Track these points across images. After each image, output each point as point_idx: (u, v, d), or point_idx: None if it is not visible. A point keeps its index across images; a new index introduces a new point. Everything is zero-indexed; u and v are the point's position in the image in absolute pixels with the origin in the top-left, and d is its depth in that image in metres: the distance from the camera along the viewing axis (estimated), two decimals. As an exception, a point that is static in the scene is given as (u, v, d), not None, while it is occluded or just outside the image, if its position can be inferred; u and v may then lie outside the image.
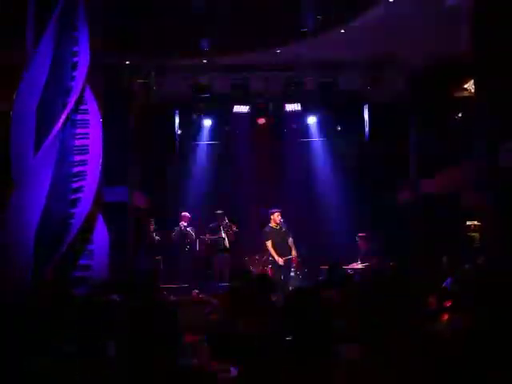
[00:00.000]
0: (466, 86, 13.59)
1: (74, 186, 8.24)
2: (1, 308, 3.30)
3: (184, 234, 14.35)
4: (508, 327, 3.06)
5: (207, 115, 16.39)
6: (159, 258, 14.19)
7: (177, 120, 16.39)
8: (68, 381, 3.32)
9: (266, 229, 13.08)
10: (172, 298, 8.68)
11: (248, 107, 15.81)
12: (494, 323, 3.08)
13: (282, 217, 13.13)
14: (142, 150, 14.88)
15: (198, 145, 16.96)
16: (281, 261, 12.74)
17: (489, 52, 10.11)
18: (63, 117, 8.13)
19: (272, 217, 13.13)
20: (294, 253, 13.01)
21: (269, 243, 12.93)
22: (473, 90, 12.29)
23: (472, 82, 12.37)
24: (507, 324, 3.08)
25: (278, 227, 13.03)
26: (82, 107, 8.59)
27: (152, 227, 14.38)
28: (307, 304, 3.39)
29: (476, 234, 12.89)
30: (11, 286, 7.45)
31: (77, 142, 8.47)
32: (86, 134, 8.60)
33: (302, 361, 3.15)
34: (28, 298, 6.63)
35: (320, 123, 16.83)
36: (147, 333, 2.86)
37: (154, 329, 2.87)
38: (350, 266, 12.64)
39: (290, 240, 13.03)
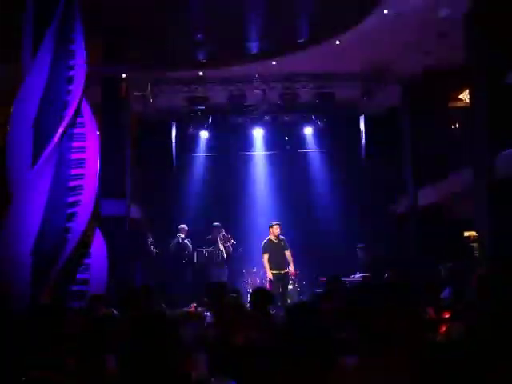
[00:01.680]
0: (461, 97, 13.66)
1: (71, 199, 8.21)
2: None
3: (182, 247, 14.34)
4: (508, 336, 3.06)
5: (204, 127, 16.39)
6: (157, 270, 14.17)
7: (173, 132, 16.42)
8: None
9: (264, 241, 13.06)
10: (169, 310, 8.65)
11: (245, 119, 15.86)
12: (495, 332, 3.08)
13: (281, 229, 13.14)
14: (140, 163, 14.89)
15: (195, 157, 16.96)
16: (270, 275, 12.75)
17: (484, 61, 10.17)
18: (60, 130, 8.12)
19: (271, 229, 13.12)
20: (291, 267, 12.96)
21: (265, 256, 12.91)
22: (468, 100, 12.34)
23: (467, 92, 12.42)
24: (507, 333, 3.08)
25: (277, 240, 13.01)
26: (79, 120, 8.58)
27: (150, 240, 14.37)
28: (308, 317, 3.39)
29: (475, 244, 12.89)
30: (9, 300, 7.43)
31: (73, 156, 8.46)
32: (83, 147, 8.58)
33: (302, 374, 3.15)
34: (26, 311, 6.61)
35: (316, 134, 16.84)
36: (148, 344, 2.85)
37: (154, 340, 2.86)
38: (348, 278, 12.63)
39: (288, 253, 13.00)
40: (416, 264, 13.36)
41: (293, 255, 13.00)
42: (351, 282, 12.52)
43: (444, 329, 5.93)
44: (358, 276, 13.06)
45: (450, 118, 14.17)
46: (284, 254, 12.93)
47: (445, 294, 7.93)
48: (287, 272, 12.90)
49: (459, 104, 13.94)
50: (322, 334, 3.32)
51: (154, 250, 14.32)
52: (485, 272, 7.21)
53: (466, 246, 13.31)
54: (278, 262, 12.86)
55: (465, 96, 13.40)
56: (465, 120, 12.53)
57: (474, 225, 11.25)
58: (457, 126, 14.09)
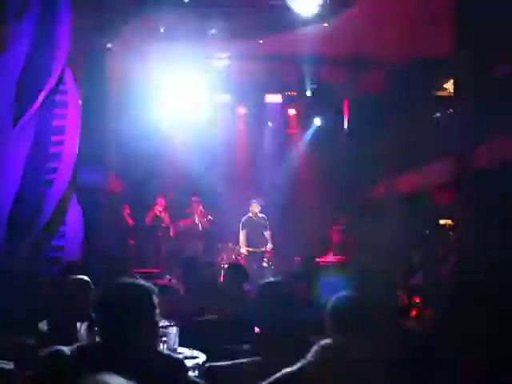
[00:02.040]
0: (445, 86, 13.72)
1: (50, 165, 8.18)
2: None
3: (158, 219, 14.32)
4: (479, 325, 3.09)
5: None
6: (132, 242, 14.14)
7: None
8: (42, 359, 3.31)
9: (243, 218, 13.20)
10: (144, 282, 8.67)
11: (230, 96, 15.82)
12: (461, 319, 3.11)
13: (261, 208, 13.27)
14: (119, 134, 14.78)
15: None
16: (244, 251, 12.94)
17: (471, 50, 10.21)
18: (42, 95, 8.06)
19: (250, 207, 13.25)
20: (269, 246, 13.13)
21: (242, 233, 13.07)
22: (452, 90, 12.39)
23: (452, 81, 12.48)
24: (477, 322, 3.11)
25: (256, 218, 13.14)
26: (61, 88, 8.51)
27: (126, 211, 14.34)
28: (281, 296, 3.40)
29: (450, 233, 13.02)
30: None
31: (54, 123, 8.40)
32: (64, 115, 8.53)
33: (272, 350, 3.17)
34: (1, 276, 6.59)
35: (300, 115, 16.86)
36: (121, 313, 2.85)
37: (127, 310, 2.86)
38: (322, 258, 12.72)
39: (268, 232, 13.15)
40: (390, 249, 13.48)
41: (272, 235, 13.17)
42: (326, 262, 12.63)
43: (414, 313, 6.03)
44: (332, 257, 13.17)
45: (435, 106, 14.22)
46: (262, 233, 13.08)
47: (416, 279, 8.03)
48: (263, 251, 13.05)
49: (444, 93, 14.00)
50: (295, 311, 3.34)
51: (131, 221, 14.29)
52: (459, 259, 7.34)
53: (441, 233, 13.43)
54: (255, 240, 13.04)
55: (450, 85, 13.45)
56: (449, 109, 12.58)
57: (456, 213, 11.33)
58: (438, 114, 14.14)
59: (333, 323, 3.10)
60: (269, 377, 2.83)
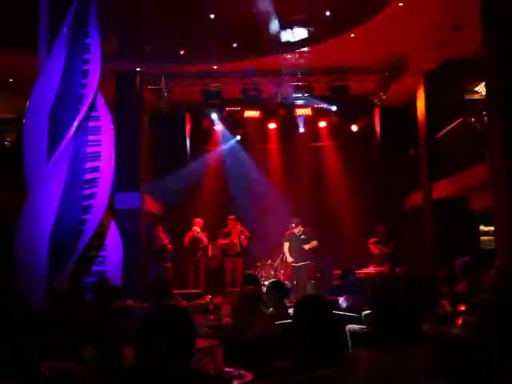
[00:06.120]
0: (477, 89, 13.58)
1: (87, 192, 8.25)
2: (17, 314, 3.31)
3: (196, 240, 14.35)
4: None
5: (218, 120, 16.36)
6: (169, 264, 14.11)
7: (188, 125, 16.42)
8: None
9: None
10: (185, 303, 8.70)
11: (259, 112, 15.80)
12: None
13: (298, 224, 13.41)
14: (154, 156, 14.91)
15: (209, 150, 16.95)
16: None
17: (500, 53, 10.08)
18: (75, 124, 8.16)
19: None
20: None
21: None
22: (484, 93, 12.25)
23: (483, 84, 12.34)
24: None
25: (298, 233, 13.36)
26: (94, 114, 8.61)
27: (164, 233, 14.39)
28: (317, 311, 3.38)
29: (492, 238, 12.81)
30: (26, 292, 7.47)
31: (89, 149, 8.49)
32: (98, 140, 8.61)
33: (314, 366, 3.15)
34: (43, 303, 6.65)
35: (331, 128, 16.78)
36: (162, 337, 2.85)
37: (168, 333, 2.87)
38: (362, 271, 12.62)
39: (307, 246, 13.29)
40: (432, 257, 13.32)
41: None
42: (366, 274, 12.54)
43: (460, 321, 5.93)
44: (372, 269, 13.06)
45: (467, 110, 14.06)
46: (302, 248, 13.23)
47: (461, 287, 7.90)
48: (302, 265, 13.09)
49: (476, 96, 13.86)
50: (332, 327, 3.31)
51: (169, 244, 14.29)
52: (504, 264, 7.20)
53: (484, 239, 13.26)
54: (294, 255, 13.17)
55: (481, 88, 13.32)
56: (481, 112, 12.40)
57: (493, 217, 11.15)
58: (473, 119, 13.97)
59: (373, 334, 3.08)
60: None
